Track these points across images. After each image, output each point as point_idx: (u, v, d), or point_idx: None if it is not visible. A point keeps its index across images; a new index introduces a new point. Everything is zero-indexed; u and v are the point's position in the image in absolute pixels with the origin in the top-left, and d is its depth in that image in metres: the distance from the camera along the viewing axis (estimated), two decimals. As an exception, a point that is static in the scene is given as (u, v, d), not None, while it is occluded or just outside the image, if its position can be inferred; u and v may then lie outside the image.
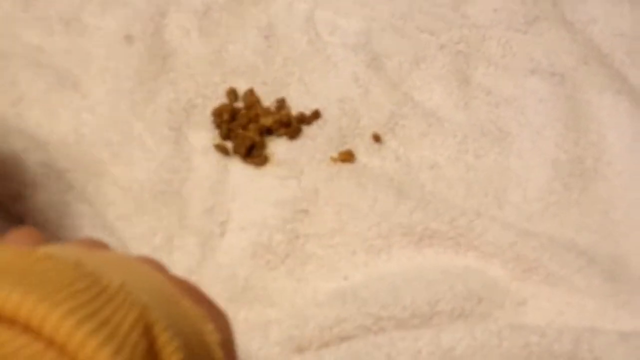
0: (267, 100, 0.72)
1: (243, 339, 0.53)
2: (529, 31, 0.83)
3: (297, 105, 0.72)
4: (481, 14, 0.84)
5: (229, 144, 0.68)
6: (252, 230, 0.62)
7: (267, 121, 0.69)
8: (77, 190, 0.60)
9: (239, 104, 0.71)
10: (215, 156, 0.66)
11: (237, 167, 0.66)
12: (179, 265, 0.58)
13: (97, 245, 0.37)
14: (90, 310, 0.24)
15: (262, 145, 0.68)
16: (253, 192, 0.65)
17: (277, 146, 0.69)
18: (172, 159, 0.65)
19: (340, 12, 0.81)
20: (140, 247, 0.58)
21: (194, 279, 0.57)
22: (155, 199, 0.62)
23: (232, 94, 0.71)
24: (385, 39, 0.79)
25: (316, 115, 0.71)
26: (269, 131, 0.69)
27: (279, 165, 0.67)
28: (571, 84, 0.78)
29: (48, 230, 0.56)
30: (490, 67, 0.79)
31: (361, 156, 0.70)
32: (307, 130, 0.70)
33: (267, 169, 0.67)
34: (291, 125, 0.69)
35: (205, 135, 0.67)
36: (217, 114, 0.69)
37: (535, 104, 0.77)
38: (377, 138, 0.71)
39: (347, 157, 0.69)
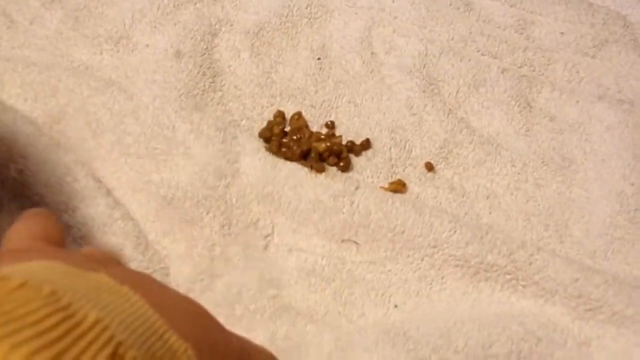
0: (315, 123, 0.73)
1: (282, 358, 0.55)
2: (598, 55, 0.83)
3: (347, 129, 0.73)
4: (547, 36, 0.84)
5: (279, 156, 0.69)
6: (298, 254, 0.63)
7: (320, 146, 0.69)
8: (124, 206, 0.62)
9: (286, 128, 0.73)
10: (266, 156, 0.68)
11: (289, 168, 0.67)
12: (220, 277, 0.60)
13: (104, 259, 0.38)
14: (58, 349, 0.24)
15: (317, 155, 0.69)
16: (302, 204, 0.65)
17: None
18: (219, 160, 0.66)
19: (399, 32, 0.82)
20: (182, 257, 0.60)
21: (233, 292, 0.59)
22: (197, 206, 0.64)
23: (280, 117, 0.72)
24: (443, 62, 0.80)
25: (366, 145, 0.72)
26: (319, 157, 0.70)
27: (333, 177, 0.68)
28: (641, 111, 0.78)
29: (91, 244, 0.58)
30: (555, 92, 0.79)
31: (413, 186, 0.70)
32: (355, 161, 0.71)
33: (321, 178, 0.67)
34: (341, 155, 0.70)
35: (254, 145, 0.69)
36: (269, 127, 0.70)
37: (602, 132, 0.77)
38: (430, 167, 0.72)
39: (398, 187, 0.69)
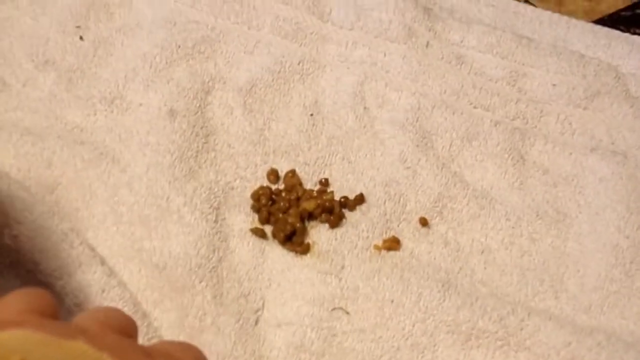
0: (310, 181, 0.75)
1: None
2: (590, 107, 0.85)
3: (341, 186, 0.75)
4: (539, 88, 0.86)
5: (268, 228, 0.71)
6: (287, 327, 0.64)
7: (309, 206, 0.71)
8: (118, 274, 0.64)
9: (280, 186, 0.74)
10: (253, 240, 0.69)
11: (276, 253, 0.69)
12: (211, 345, 0.61)
13: (108, 324, 0.39)
14: None
15: (303, 232, 0.70)
16: (290, 284, 0.67)
17: (319, 233, 0.71)
18: (210, 236, 0.68)
19: (391, 86, 0.84)
20: (173, 329, 0.61)
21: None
22: (189, 273, 0.65)
23: (273, 175, 0.74)
24: (435, 116, 0.82)
25: (360, 199, 0.74)
26: (310, 215, 0.72)
27: (319, 255, 0.69)
28: (634, 163, 0.80)
29: (85, 310, 0.60)
30: (548, 145, 0.81)
31: (407, 242, 0.72)
32: (350, 215, 0.73)
33: (307, 259, 0.69)
34: (334, 211, 0.72)
35: (243, 219, 0.70)
36: (256, 198, 0.72)
37: (596, 184, 0.78)
38: (424, 222, 0.73)
39: (392, 244, 0.71)
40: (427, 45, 0.88)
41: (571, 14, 0.97)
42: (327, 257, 0.69)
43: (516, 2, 0.96)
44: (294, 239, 0.70)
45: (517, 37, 0.89)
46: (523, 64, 0.88)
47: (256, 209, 0.72)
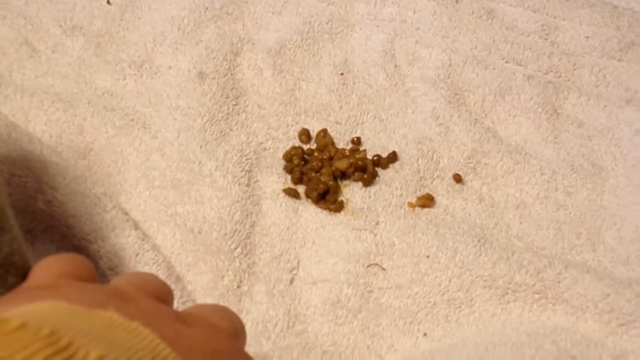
0: (342, 140, 0.75)
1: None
2: (624, 58, 0.83)
3: (373, 145, 0.74)
4: (572, 41, 0.84)
5: (300, 188, 0.70)
6: (323, 284, 0.63)
7: (341, 165, 0.71)
8: (151, 238, 0.64)
9: (312, 146, 0.74)
10: (286, 200, 0.69)
11: (309, 213, 0.68)
12: (247, 312, 0.61)
13: (139, 288, 0.39)
14: None
15: (337, 191, 0.70)
16: (324, 241, 0.66)
17: (352, 191, 0.71)
18: (243, 200, 0.67)
19: (421, 43, 0.83)
20: (207, 292, 0.61)
21: (260, 328, 0.60)
22: (224, 238, 0.65)
23: (305, 135, 0.74)
24: (467, 72, 0.81)
25: (393, 157, 0.73)
26: (343, 174, 0.71)
27: (353, 213, 0.69)
28: (671, 114, 0.79)
29: (121, 274, 0.60)
30: (582, 98, 0.80)
31: (441, 199, 0.71)
32: (383, 174, 0.72)
33: (341, 217, 0.68)
34: (367, 170, 0.71)
35: (276, 180, 0.70)
36: (288, 158, 0.71)
37: (631, 136, 0.77)
38: (458, 178, 0.73)
39: (426, 201, 0.70)
40: (457, 1, 0.87)
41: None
42: (361, 214, 0.69)
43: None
44: (327, 197, 0.69)
45: (549, -10, 0.88)
46: (555, 17, 0.87)
47: (288, 169, 0.71)
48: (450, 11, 0.85)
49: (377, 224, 0.68)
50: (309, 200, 0.69)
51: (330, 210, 0.69)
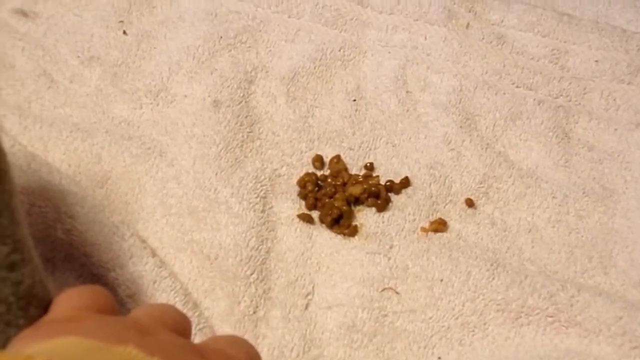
0: (355, 166, 0.75)
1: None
2: (634, 82, 0.84)
3: (386, 170, 0.75)
4: (582, 65, 0.85)
5: (315, 214, 0.71)
6: (338, 308, 0.64)
7: (355, 191, 0.72)
8: (169, 265, 0.65)
9: (326, 172, 0.75)
10: (301, 226, 0.70)
11: (323, 238, 0.69)
12: (263, 338, 0.62)
13: (158, 321, 0.40)
14: None
15: (350, 216, 0.71)
16: (339, 266, 0.67)
17: (366, 216, 0.72)
18: (258, 226, 0.68)
19: (433, 68, 0.84)
20: (224, 318, 0.62)
21: (276, 353, 0.61)
22: (240, 264, 0.66)
23: (318, 161, 0.75)
24: (478, 97, 0.82)
25: (406, 183, 0.74)
26: (357, 200, 0.72)
27: (367, 237, 0.70)
28: (681, 137, 0.79)
29: (139, 302, 0.61)
30: (593, 121, 0.81)
31: (454, 223, 0.72)
32: (396, 199, 0.73)
33: (355, 241, 0.69)
34: (380, 196, 0.72)
35: (290, 205, 0.71)
36: (302, 184, 0.73)
37: (642, 159, 0.78)
38: (470, 203, 0.73)
39: (439, 226, 0.71)
40: (467, 27, 0.88)
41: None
42: (374, 239, 0.70)
43: (557, -20, 0.95)
44: (341, 222, 0.70)
45: (558, 15, 0.89)
46: (565, 42, 0.87)
47: (303, 195, 0.72)
48: (460, 37, 0.86)
49: (390, 247, 0.68)
50: (323, 225, 0.70)
51: (344, 235, 0.70)
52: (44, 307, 0.44)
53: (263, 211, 0.70)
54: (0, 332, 0.42)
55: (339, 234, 0.70)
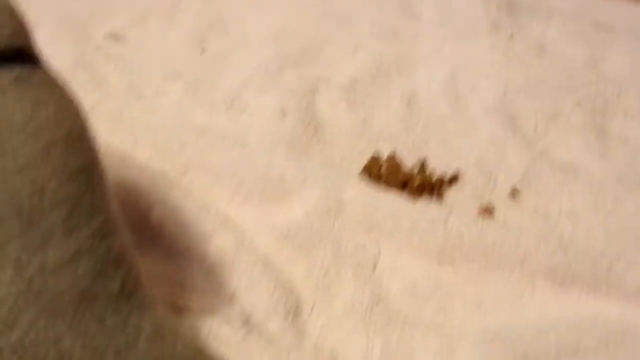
0: (409, 163, 0.84)
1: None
2: (665, 83, 0.92)
3: (437, 166, 0.83)
4: (617, 69, 0.93)
5: (379, 188, 0.80)
6: (401, 272, 0.73)
7: (414, 182, 0.80)
8: (247, 240, 0.74)
9: (383, 170, 0.83)
10: (367, 197, 0.78)
11: (388, 207, 0.77)
12: (337, 295, 0.70)
13: None
14: None
15: (414, 179, 0.81)
16: (403, 233, 0.76)
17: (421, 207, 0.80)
18: (327, 202, 0.77)
19: (480, 76, 0.93)
20: (302, 282, 0.71)
21: (349, 306, 0.69)
22: (312, 236, 0.74)
23: (376, 160, 0.83)
24: (521, 100, 0.90)
25: (455, 178, 0.83)
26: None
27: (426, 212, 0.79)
28: None
29: (223, 271, 0.70)
30: (627, 119, 0.89)
31: (500, 212, 0.80)
32: (447, 192, 0.81)
33: (417, 210, 0.78)
34: (433, 188, 0.81)
35: (355, 183, 0.80)
36: (367, 169, 0.82)
37: (673, 151, 0.85)
38: (514, 194, 0.81)
39: (487, 213, 0.79)
40: (511, 37, 0.96)
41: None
42: (435, 207, 0.78)
43: (594, -6, 1.04)
44: (406, 188, 0.80)
45: (595, 26, 0.97)
46: (601, 49, 0.95)
47: (367, 173, 0.81)
48: (505, 48, 0.95)
49: (449, 214, 0.77)
50: (389, 193, 0.79)
51: (409, 196, 0.79)
52: (133, 271, 0.53)
53: (330, 182, 0.79)
54: (96, 286, 0.51)
55: (403, 195, 0.79)
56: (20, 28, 0.57)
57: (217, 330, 0.63)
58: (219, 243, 0.70)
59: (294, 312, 0.67)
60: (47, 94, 0.54)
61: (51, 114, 0.53)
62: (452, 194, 0.81)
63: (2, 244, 0.48)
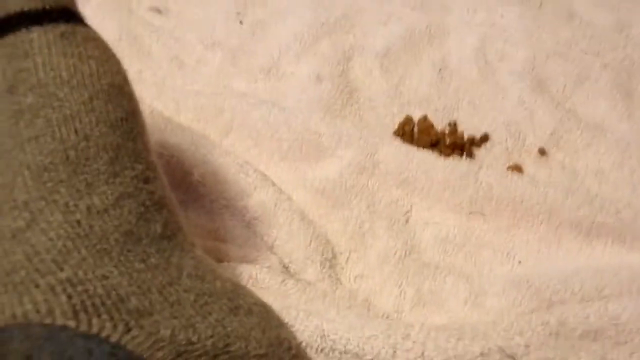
0: (440, 124, 0.85)
1: (429, 307, 0.67)
2: (691, 46, 0.92)
3: (468, 127, 0.85)
4: (644, 33, 0.94)
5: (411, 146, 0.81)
6: (433, 225, 0.75)
7: (448, 139, 0.82)
8: (285, 196, 0.76)
9: (415, 130, 0.85)
10: (399, 150, 0.79)
11: (420, 162, 0.78)
12: (370, 247, 0.72)
13: None
14: None
15: (445, 139, 0.82)
16: (434, 187, 0.77)
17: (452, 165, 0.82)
18: (361, 158, 0.78)
19: (509, 42, 0.94)
20: (338, 235, 0.73)
21: (382, 255, 0.71)
22: (347, 192, 0.76)
23: (409, 122, 0.84)
24: (550, 64, 0.91)
25: (485, 138, 0.84)
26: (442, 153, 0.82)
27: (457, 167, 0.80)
28: None
29: (264, 222, 0.72)
30: (654, 81, 0.89)
31: (528, 169, 0.81)
32: (477, 151, 0.83)
33: (449, 163, 0.78)
34: (464, 148, 0.82)
35: (389, 141, 0.81)
36: (401, 127, 0.84)
37: (698, 111, 0.86)
38: (542, 152, 0.82)
39: (516, 170, 0.80)
40: (540, 5, 0.97)
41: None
42: (465, 162, 0.80)
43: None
44: (438, 145, 0.81)
45: (623, -7, 0.97)
46: (628, 14, 0.96)
47: (400, 133, 0.83)
48: (534, 14, 0.96)
49: (479, 168, 0.78)
50: (421, 149, 0.80)
51: (440, 153, 0.80)
52: (173, 216, 0.55)
53: (365, 140, 0.80)
54: (140, 227, 0.53)
55: (435, 152, 0.80)
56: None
57: (256, 277, 0.65)
58: (258, 198, 0.72)
59: (330, 261, 0.70)
60: (90, 49, 0.57)
61: (94, 68, 0.56)
62: (481, 153, 0.82)
63: (51, 190, 0.50)
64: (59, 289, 0.47)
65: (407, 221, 0.75)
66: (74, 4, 0.60)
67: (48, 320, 0.44)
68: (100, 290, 0.48)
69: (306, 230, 0.71)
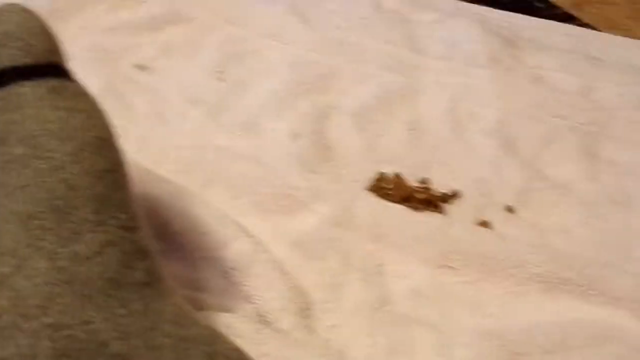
0: (413, 182, 0.86)
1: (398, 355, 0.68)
2: (652, 111, 0.95)
3: (439, 184, 0.86)
4: (607, 98, 0.97)
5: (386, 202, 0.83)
6: (405, 278, 0.76)
7: (420, 195, 0.84)
8: (263, 247, 0.76)
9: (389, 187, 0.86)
10: (374, 207, 0.82)
11: (393, 219, 0.81)
12: (347, 299, 0.73)
13: None
14: None
15: (417, 194, 0.84)
16: (406, 241, 0.78)
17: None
18: (336, 215, 0.80)
19: (479, 103, 0.96)
20: (315, 288, 0.74)
21: (356, 308, 0.72)
22: (322, 244, 0.78)
23: (382, 179, 0.86)
24: (518, 125, 0.94)
25: (456, 194, 0.85)
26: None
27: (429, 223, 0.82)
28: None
29: (241, 273, 0.73)
30: (617, 144, 0.92)
31: (497, 225, 0.82)
32: (447, 208, 0.84)
33: (420, 217, 0.81)
34: (436, 203, 0.84)
35: (363, 197, 0.83)
36: (373, 184, 0.85)
37: (658, 174, 0.88)
38: (510, 210, 0.84)
39: (484, 225, 0.82)
40: (509, 69, 1.00)
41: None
42: (437, 218, 0.82)
43: (587, 30, 1.07)
44: (410, 200, 0.83)
45: (588, 58, 1.01)
46: (593, 80, 0.99)
47: (374, 189, 0.85)
48: (503, 77, 0.98)
49: (449, 225, 0.80)
50: (394, 205, 0.82)
51: (413, 209, 0.82)
52: (154, 264, 0.56)
53: (340, 196, 0.82)
54: (122, 274, 0.54)
55: (408, 207, 0.82)
56: (55, 46, 0.62)
57: (232, 325, 0.66)
58: (236, 249, 0.74)
59: (305, 311, 0.70)
60: (79, 103, 0.58)
61: (82, 121, 0.57)
62: (452, 208, 0.84)
63: (38, 237, 0.51)
64: (42, 334, 0.48)
65: (380, 273, 0.76)
66: (63, 61, 0.61)
67: (31, 365, 0.45)
68: (82, 335, 0.49)
69: (282, 280, 0.72)
